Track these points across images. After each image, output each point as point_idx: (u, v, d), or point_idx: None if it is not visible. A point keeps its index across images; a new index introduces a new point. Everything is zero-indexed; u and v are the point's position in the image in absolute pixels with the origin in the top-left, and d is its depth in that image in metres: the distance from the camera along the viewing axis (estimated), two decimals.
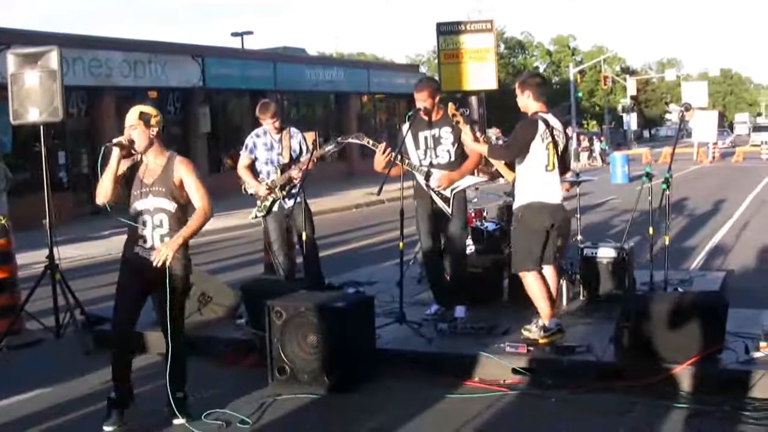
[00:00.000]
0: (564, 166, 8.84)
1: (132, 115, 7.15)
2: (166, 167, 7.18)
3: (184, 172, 7.16)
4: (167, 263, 6.95)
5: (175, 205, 7.16)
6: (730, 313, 7.80)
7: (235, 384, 8.23)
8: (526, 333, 8.52)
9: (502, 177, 9.95)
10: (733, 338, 7.91)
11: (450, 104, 9.30)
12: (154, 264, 6.92)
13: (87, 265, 18.36)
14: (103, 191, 7.12)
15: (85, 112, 31.40)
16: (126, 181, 7.25)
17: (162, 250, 6.94)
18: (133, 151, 7.20)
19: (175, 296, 7.14)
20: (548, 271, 8.73)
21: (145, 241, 7.19)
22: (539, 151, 8.44)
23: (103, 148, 7.13)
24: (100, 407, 7.67)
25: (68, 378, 8.74)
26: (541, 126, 8.46)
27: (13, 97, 10.84)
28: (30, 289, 10.77)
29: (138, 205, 7.18)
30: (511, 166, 9.10)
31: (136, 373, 7.96)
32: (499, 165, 9.56)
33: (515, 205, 8.72)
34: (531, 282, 8.55)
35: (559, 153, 8.60)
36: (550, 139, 8.49)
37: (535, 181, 8.50)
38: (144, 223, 7.17)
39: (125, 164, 7.22)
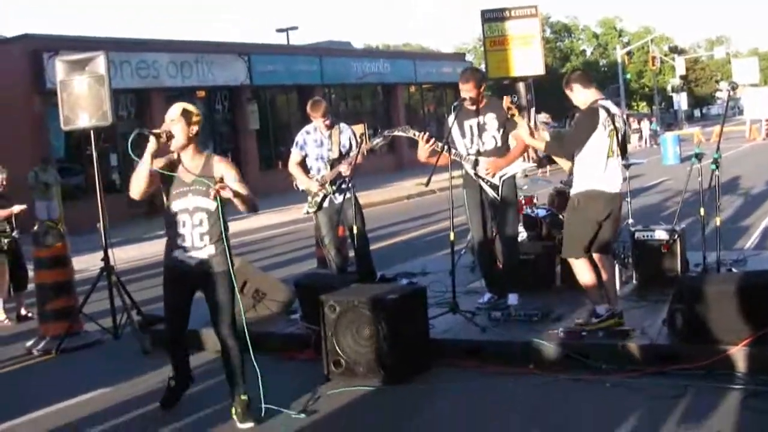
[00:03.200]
0: (623, 152, 8.75)
1: (174, 111, 7.09)
2: (205, 166, 7.13)
3: (224, 168, 7.11)
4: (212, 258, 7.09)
5: (215, 204, 7.03)
6: None
7: (292, 378, 8.30)
8: (579, 320, 8.49)
9: (553, 164, 9.91)
10: None
11: (506, 97, 9.22)
12: (213, 191, 6.84)
13: (142, 265, 18.54)
14: (138, 185, 7.04)
15: (134, 114, 31.70)
16: (162, 180, 7.16)
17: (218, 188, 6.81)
18: (169, 146, 7.08)
19: (225, 296, 7.17)
20: (602, 259, 8.64)
21: (184, 240, 7.14)
22: (602, 138, 8.26)
23: (135, 132, 6.95)
24: (159, 406, 7.79)
25: (127, 378, 8.85)
26: (602, 114, 8.29)
27: (63, 104, 10.97)
28: (87, 291, 10.91)
29: (176, 204, 7.12)
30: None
31: (194, 371, 8.09)
32: (558, 158, 9.51)
33: (573, 191, 8.54)
34: (581, 269, 8.47)
35: (620, 139, 8.50)
36: (612, 126, 8.31)
37: (596, 169, 8.32)
38: (183, 224, 7.12)
39: (159, 162, 7.10)
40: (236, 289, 7.27)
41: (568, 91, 8.65)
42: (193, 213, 7.07)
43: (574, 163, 8.54)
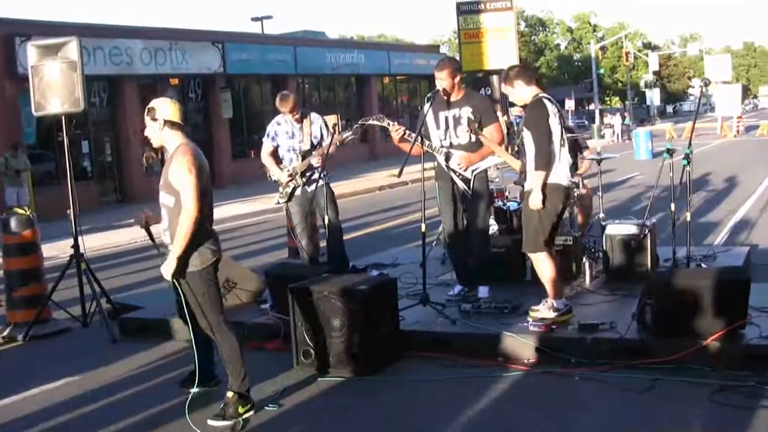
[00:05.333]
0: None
1: (145, 113, 6.94)
2: (169, 160, 6.82)
3: (176, 163, 6.70)
4: (174, 277, 6.71)
5: (174, 200, 6.74)
6: (753, 288, 7.76)
7: (261, 368, 8.27)
8: (534, 314, 8.48)
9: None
10: (756, 313, 7.91)
11: (468, 119, 9.26)
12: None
13: (112, 253, 18.49)
14: None
15: (107, 101, 31.55)
16: None
17: (164, 274, 6.72)
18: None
19: (193, 296, 6.84)
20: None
21: (161, 240, 7.02)
22: (553, 128, 8.36)
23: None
24: (128, 394, 7.80)
25: (95, 366, 8.79)
26: (548, 104, 8.39)
27: (35, 89, 10.90)
28: (56, 278, 10.85)
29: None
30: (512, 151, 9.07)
31: (162, 360, 8.06)
32: (504, 154, 9.50)
33: (530, 186, 8.54)
34: (544, 262, 8.49)
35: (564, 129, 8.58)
36: (558, 114, 8.46)
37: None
38: (161, 222, 6.98)
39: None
40: (213, 283, 6.90)
41: (508, 87, 8.65)
42: (162, 209, 6.90)
43: (527, 159, 8.54)
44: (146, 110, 6.89)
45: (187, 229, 6.57)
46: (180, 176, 6.64)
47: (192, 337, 7.02)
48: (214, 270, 6.89)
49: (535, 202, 8.33)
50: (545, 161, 8.34)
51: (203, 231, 6.76)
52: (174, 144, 6.84)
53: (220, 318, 6.91)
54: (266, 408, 7.16)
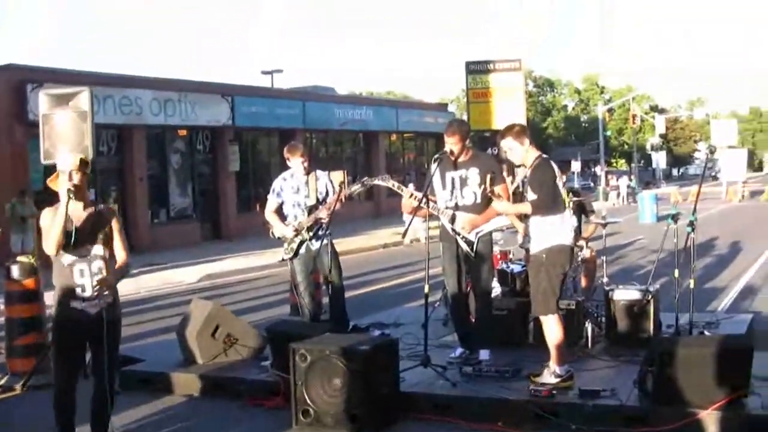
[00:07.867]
0: None
1: (75, 161, 7.09)
2: (99, 214, 7.13)
3: (115, 221, 7.17)
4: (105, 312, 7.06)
5: (108, 251, 7.10)
6: (756, 357, 7.73)
7: (259, 426, 8.25)
8: (536, 379, 8.42)
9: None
10: (759, 382, 7.86)
11: (487, 179, 9.22)
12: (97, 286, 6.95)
13: None
14: (56, 241, 6.88)
15: (115, 150, 31.65)
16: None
17: (105, 280, 6.96)
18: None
19: (116, 345, 7.43)
20: None
21: (83, 290, 7.01)
22: (558, 189, 8.48)
23: (65, 201, 6.92)
24: None
25: None
26: (554, 165, 8.53)
27: (45, 137, 10.95)
28: None
29: (73, 253, 7.00)
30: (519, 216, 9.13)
31: (161, 414, 8.01)
32: (512, 218, 9.53)
33: (537, 248, 8.55)
34: (554, 325, 8.48)
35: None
36: (561, 178, 8.57)
37: (556, 222, 8.47)
38: (81, 272, 7.01)
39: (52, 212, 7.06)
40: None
41: (516, 143, 8.63)
42: (92, 261, 7.05)
43: (531, 222, 8.57)
44: (80, 160, 7.10)
45: (124, 275, 7.39)
46: (119, 230, 7.21)
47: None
48: None
49: (503, 207, 8.99)
50: (540, 210, 8.47)
51: None
52: (89, 198, 7.29)
53: None
54: None
